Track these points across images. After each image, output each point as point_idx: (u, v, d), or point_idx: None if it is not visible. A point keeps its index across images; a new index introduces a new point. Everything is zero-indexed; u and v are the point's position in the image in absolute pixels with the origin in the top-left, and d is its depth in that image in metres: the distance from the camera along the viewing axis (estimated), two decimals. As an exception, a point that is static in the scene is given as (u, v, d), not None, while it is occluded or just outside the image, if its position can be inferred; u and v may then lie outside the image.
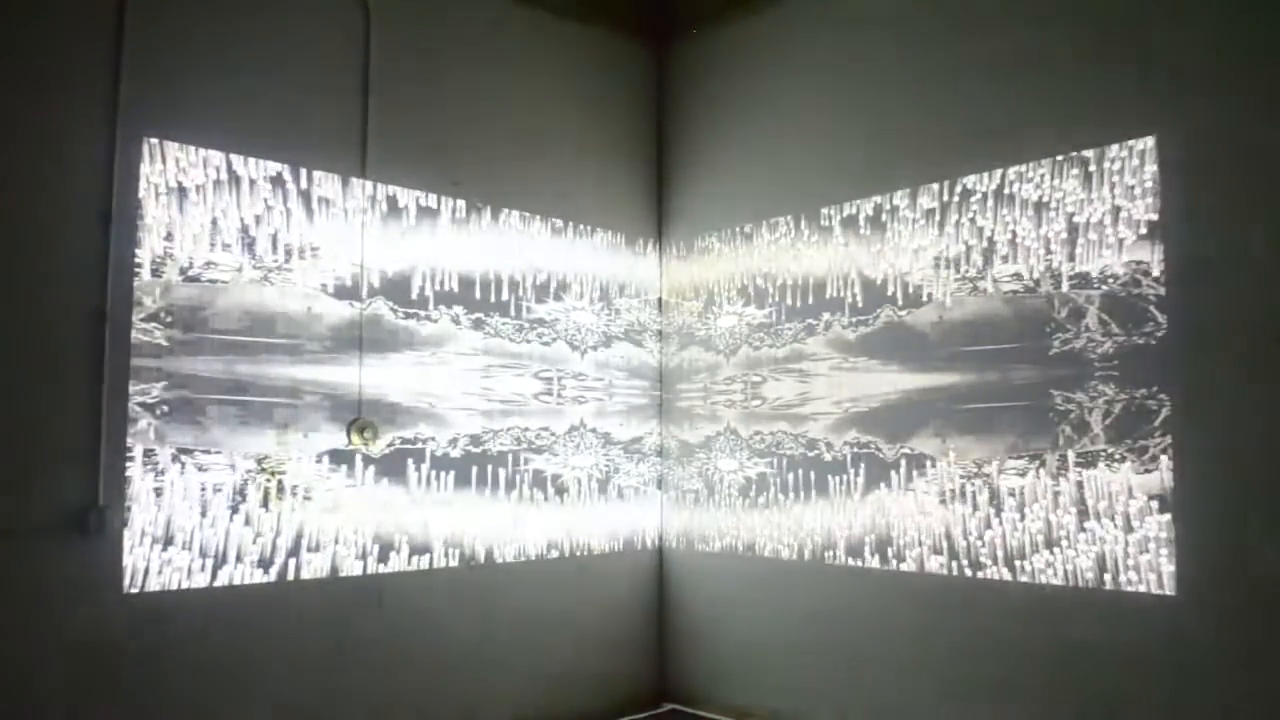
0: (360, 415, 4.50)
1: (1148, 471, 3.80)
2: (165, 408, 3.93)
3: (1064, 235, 4.11)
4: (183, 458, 3.97)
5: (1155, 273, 3.82)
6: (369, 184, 4.64)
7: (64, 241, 3.73)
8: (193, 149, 4.07)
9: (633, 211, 5.92)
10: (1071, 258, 4.08)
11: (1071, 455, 4.02)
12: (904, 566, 4.58)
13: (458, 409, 4.93)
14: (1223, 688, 3.53)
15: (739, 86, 5.63)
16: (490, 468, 5.03)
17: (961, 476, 4.39)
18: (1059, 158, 4.14)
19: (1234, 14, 3.68)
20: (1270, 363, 3.49)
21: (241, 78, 4.24)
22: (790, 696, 5.03)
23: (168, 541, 3.90)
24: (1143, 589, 3.77)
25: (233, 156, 4.19)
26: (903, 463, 4.63)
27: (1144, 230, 3.87)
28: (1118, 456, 3.88)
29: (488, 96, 5.20)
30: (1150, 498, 3.78)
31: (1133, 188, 3.91)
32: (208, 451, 4.04)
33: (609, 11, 5.83)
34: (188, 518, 3.96)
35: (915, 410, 4.60)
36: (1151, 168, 3.85)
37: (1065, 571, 4.00)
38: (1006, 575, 4.19)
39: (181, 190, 4.04)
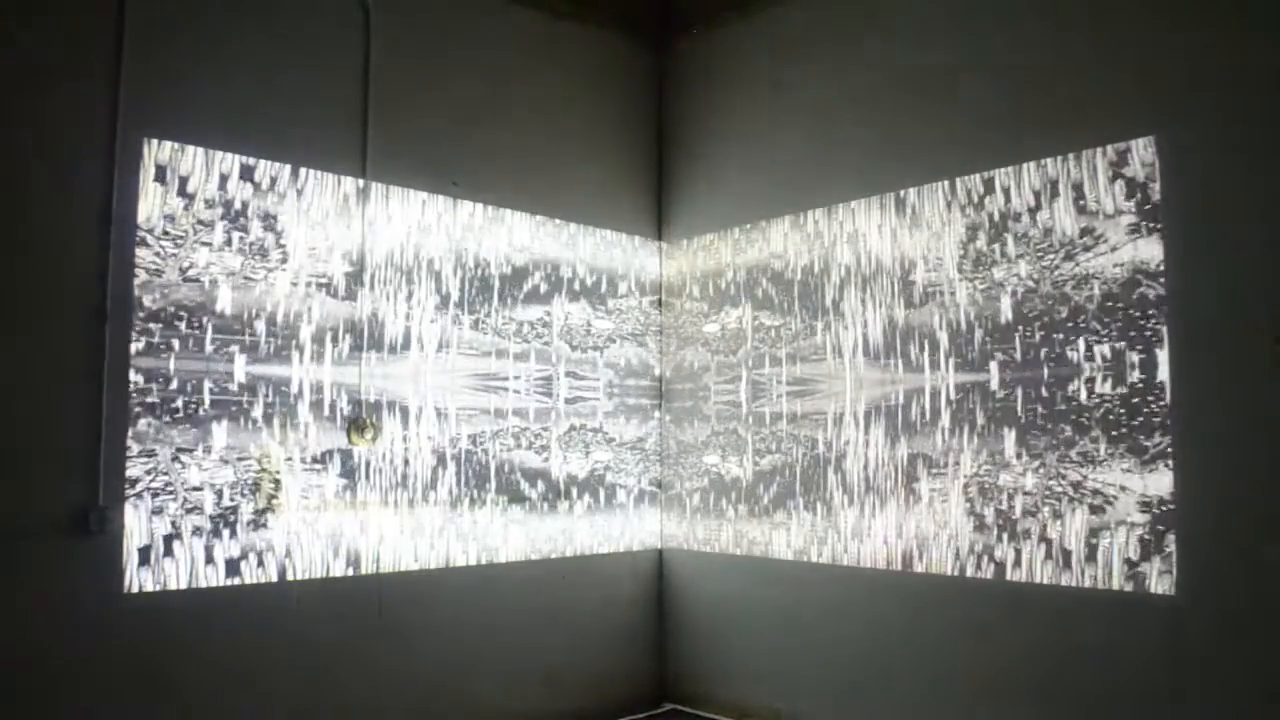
0: (360, 414, 4.51)
1: (1148, 471, 3.80)
2: (165, 407, 3.93)
3: (1064, 235, 4.11)
4: (182, 457, 3.97)
5: (1155, 272, 3.82)
6: (369, 184, 4.64)
7: (64, 241, 3.72)
8: (193, 149, 4.07)
9: (633, 210, 5.92)
10: (1071, 257, 4.08)
11: (1072, 455, 4.02)
12: (905, 566, 4.58)
13: (455, 408, 4.93)
14: (1222, 688, 3.53)
15: (739, 86, 5.63)
16: (489, 468, 5.04)
17: (963, 476, 4.39)
18: (1059, 158, 4.14)
19: (1234, 14, 3.68)
20: (1270, 363, 3.49)
21: (241, 78, 4.24)
22: (790, 696, 5.03)
23: (167, 541, 3.90)
24: (1143, 589, 3.77)
25: (233, 156, 4.19)
26: (904, 462, 4.63)
27: (1144, 230, 3.87)
28: (1118, 456, 3.88)
29: (488, 97, 5.20)
30: (1150, 498, 3.78)
31: (1133, 188, 3.91)
32: (208, 451, 4.04)
33: (609, 12, 5.83)
34: (187, 517, 3.96)
35: (917, 410, 4.60)
36: (1152, 168, 3.85)
37: (1066, 571, 4.00)
38: (1007, 575, 4.19)
39: (181, 190, 4.04)
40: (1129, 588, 3.81)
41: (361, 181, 4.62)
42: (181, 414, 3.97)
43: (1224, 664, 3.53)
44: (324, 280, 4.46)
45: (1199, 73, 3.73)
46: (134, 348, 3.85)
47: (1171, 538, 3.71)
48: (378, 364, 4.62)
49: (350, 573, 4.44)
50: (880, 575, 4.69)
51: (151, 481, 3.87)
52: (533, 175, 5.39)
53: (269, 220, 4.30)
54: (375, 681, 4.45)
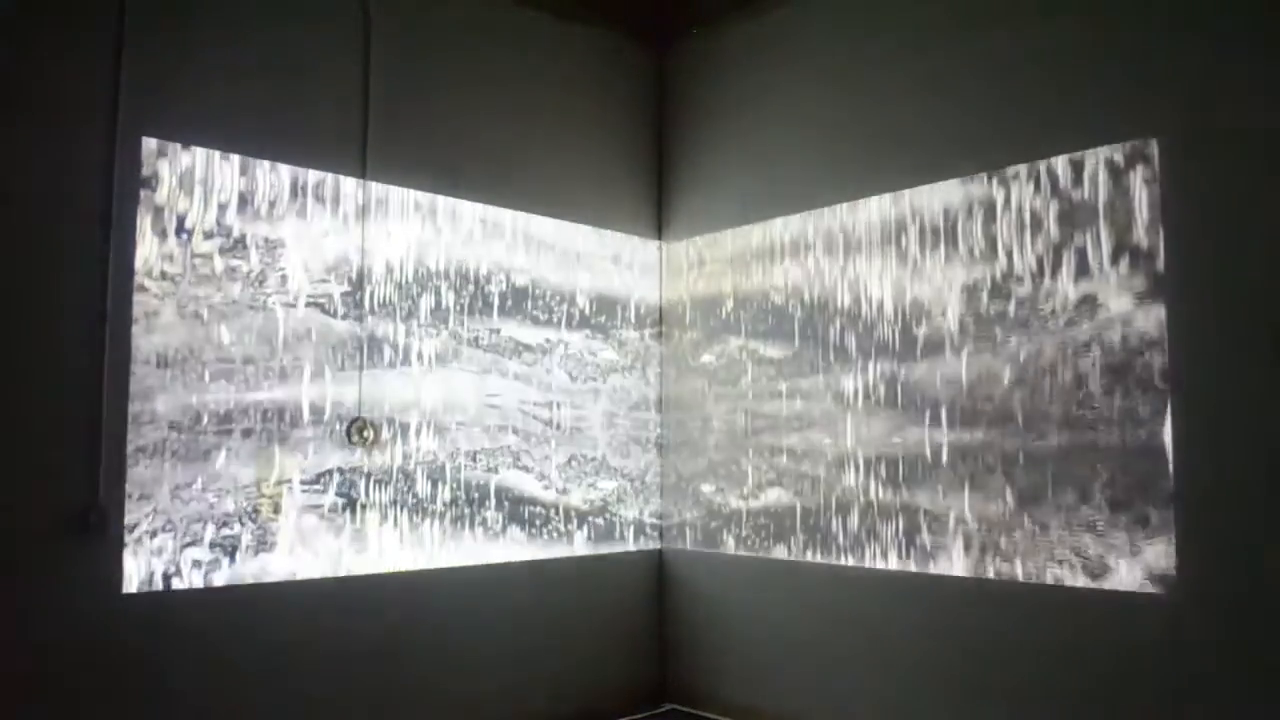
0: (360, 415, 4.51)
1: (1146, 471, 3.79)
2: (164, 406, 3.93)
3: (1064, 236, 4.11)
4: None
5: (1155, 273, 3.82)
6: (370, 186, 4.64)
7: (64, 244, 3.72)
8: (192, 150, 4.07)
9: (633, 210, 5.91)
10: (1071, 257, 4.07)
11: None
12: (905, 567, 4.58)
13: (454, 422, 4.92)
14: (1222, 688, 3.53)
15: (739, 86, 5.63)
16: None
17: (962, 476, 4.38)
18: (1059, 158, 4.13)
19: (1234, 13, 3.68)
20: (1270, 363, 3.49)
21: (241, 79, 4.24)
22: (790, 696, 5.03)
23: (167, 541, 3.90)
24: (1142, 589, 3.77)
25: (233, 158, 4.19)
26: (904, 468, 4.63)
27: (1143, 230, 3.86)
28: (1117, 456, 3.88)
29: (488, 97, 5.20)
30: (1149, 497, 3.78)
31: (1133, 188, 3.90)
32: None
33: (609, 12, 5.84)
34: (187, 517, 3.96)
35: (917, 411, 4.59)
36: (1152, 168, 3.85)
37: (1065, 571, 4.00)
38: (1006, 575, 4.19)
39: (181, 191, 4.03)
40: (1128, 588, 3.80)
41: (362, 183, 4.62)
42: (181, 413, 3.97)
43: (1224, 664, 3.53)
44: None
45: (1199, 73, 3.73)
46: (134, 348, 3.85)
47: (1171, 538, 3.70)
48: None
49: (350, 573, 4.44)
50: (881, 576, 4.68)
51: (151, 480, 3.87)
52: (533, 175, 5.39)
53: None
54: (375, 681, 4.45)
